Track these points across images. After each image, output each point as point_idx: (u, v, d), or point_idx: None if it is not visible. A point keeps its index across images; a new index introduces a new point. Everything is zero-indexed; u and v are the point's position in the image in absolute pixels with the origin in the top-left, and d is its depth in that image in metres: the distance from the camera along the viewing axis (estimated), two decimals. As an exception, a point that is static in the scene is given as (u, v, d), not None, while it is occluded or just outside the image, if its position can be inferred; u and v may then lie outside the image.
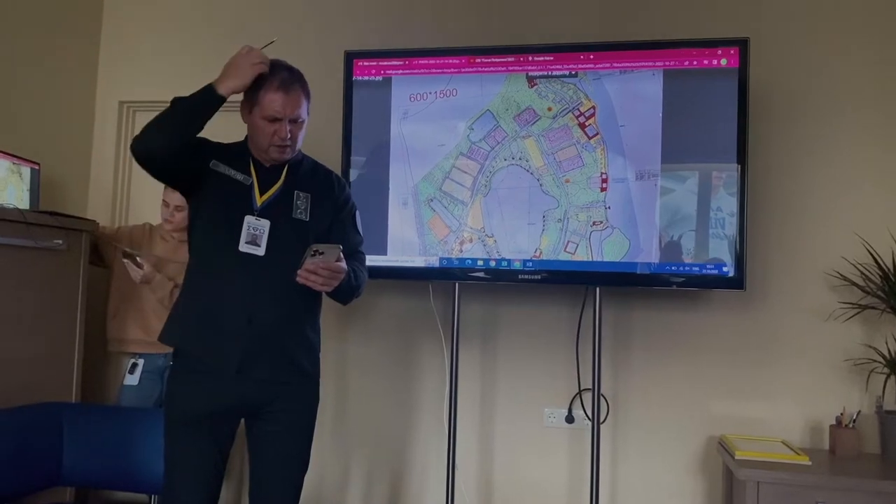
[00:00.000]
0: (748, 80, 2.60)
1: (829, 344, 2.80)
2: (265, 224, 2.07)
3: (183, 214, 2.89)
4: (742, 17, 2.93)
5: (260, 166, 2.15)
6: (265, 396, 2.07)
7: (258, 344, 2.04)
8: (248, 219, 2.06)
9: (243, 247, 2.04)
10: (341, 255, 1.97)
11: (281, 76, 2.06)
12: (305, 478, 2.19)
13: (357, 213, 2.30)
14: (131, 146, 2.05)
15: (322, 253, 1.91)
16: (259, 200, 2.10)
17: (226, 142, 2.21)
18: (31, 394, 2.58)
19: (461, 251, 2.79)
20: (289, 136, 2.07)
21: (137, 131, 3.49)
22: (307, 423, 2.19)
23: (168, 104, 2.06)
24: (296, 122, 2.09)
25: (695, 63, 2.65)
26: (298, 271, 1.93)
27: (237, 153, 2.17)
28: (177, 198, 2.88)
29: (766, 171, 2.87)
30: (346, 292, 2.13)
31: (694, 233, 2.63)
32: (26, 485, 2.44)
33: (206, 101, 2.00)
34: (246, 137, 2.21)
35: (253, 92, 2.08)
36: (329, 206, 2.21)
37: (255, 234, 2.06)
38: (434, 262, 2.82)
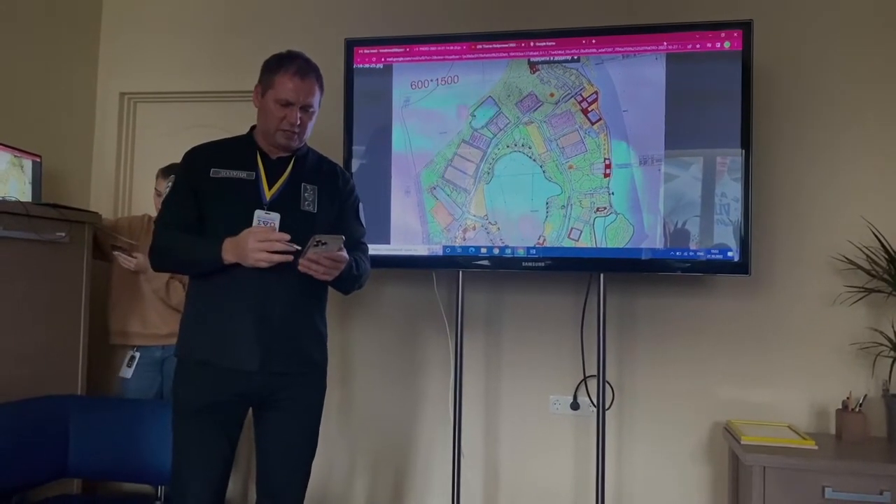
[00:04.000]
0: (752, 63, 2.58)
1: (835, 328, 2.79)
2: (275, 217, 2.06)
3: None
4: (745, -1, 2.90)
5: (266, 159, 2.15)
6: (275, 386, 2.08)
7: (274, 339, 2.05)
8: (258, 212, 2.06)
9: None
10: (343, 245, 1.97)
11: (298, 63, 2.08)
12: (311, 465, 2.20)
13: (360, 205, 2.31)
14: (152, 264, 2.17)
15: (325, 243, 1.91)
16: (268, 194, 2.10)
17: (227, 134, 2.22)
18: (36, 387, 2.58)
19: (464, 239, 2.78)
20: (298, 122, 2.07)
21: (138, 123, 3.55)
22: (314, 412, 2.20)
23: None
24: (307, 110, 2.10)
25: (698, 46, 2.62)
26: (300, 260, 1.94)
27: (240, 148, 2.17)
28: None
29: (770, 155, 2.85)
30: (347, 282, 2.14)
31: (698, 219, 2.62)
32: (33, 477, 2.45)
33: (213, 263, 2.02)
34: (251, 130, 2.21)
35: (268, 75, 2.09)
36: (334, 198, 2.21)
37: (265, 228, 2.05)
38: (437, 250, 2.81)
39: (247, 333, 2.03)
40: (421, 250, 2.82)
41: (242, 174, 2.10)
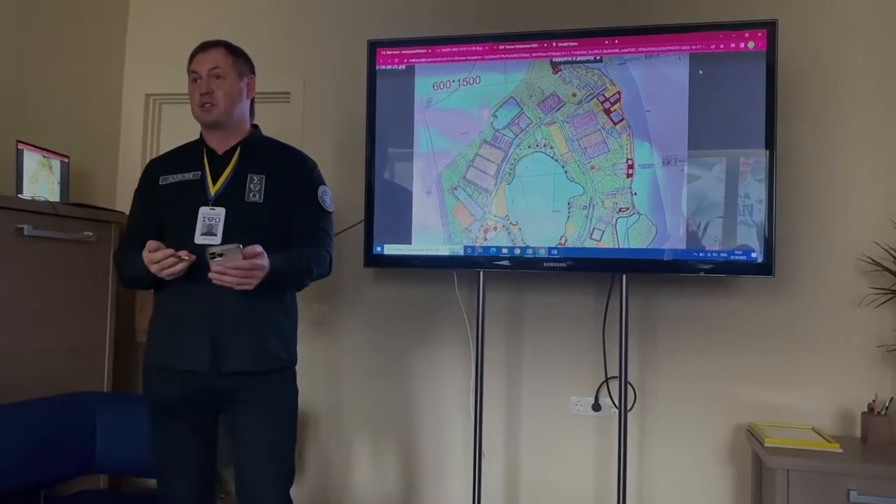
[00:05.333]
0: (776, 63, 2.56)
1: (861, 330, 2.76)
2: (220, 212, 2.06)
3: None
4: (770, -2, 2.88)
5: (213, 155, 2.17)
6: (235, 386, 2.05)
7: (226, 336, 2.03)
8: (203, 210, 2.06)
9: (199, 238, 2.04)
10: (243, 252, 1.89)
11: (202, 43, 2.19)
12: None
13: (322, 189, 2.24)
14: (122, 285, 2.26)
15: (221, 255, 1.87)
16: (212, 190, 2.11)
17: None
18: (64, 383, 2.63)
19: (486, 239, 2.78)
20: (207, 90, 2.10)
21: (163, 124, 3.58)
22: (284, 414, 2.15)
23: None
24: (217, 76, 2.13)
25: (722, 46, 2.61)
26: (209, 275, 1.90)
27: (188, 151, 2.21)
28: None
29: (795, 156, 2.82)
30: (288, 280, 2.09)
31: (722, 219, 2.60)
32: (61, 472, 2.49)
33: (153, 276, 1.99)
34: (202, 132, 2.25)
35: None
36: (287, 185, 2.17)
37: (210, 224, 2.05)
38: (458, 250, 2.81)
39: (197, 335, 2.02)
40: (442, 250, 2.83)
41: (189, 175, 2.13)
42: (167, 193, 2.13)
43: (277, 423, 2.13)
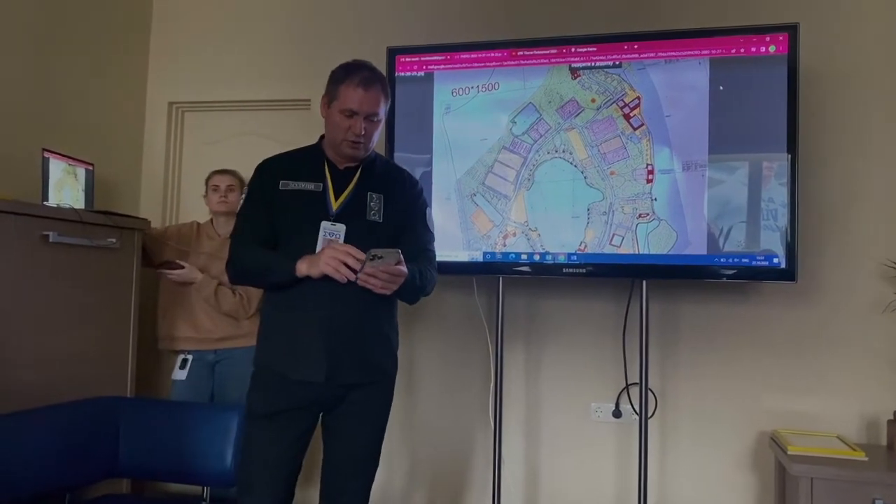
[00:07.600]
0: (798, 67, 2.54)
1: (886, 336, 2.72)
2: (341, 228, 2.07)
3: (236, 195, 2.95)
4: (791, 1, 2.85)
5: (334, 169, 2.16)
6: (344, 394, 2.10)
7: (342, 349, 2.06)
8: (325, 224, 2.07)
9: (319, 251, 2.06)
10: (401, 258, 1.95)
11: (362, 74, 2.07)
12: (374, 473, 2.22)
13: (428, 210, 2.30)
14: (229, 277, 2.22)
15: (381, 257, 1.91)
16: (334, 205, 2.11)
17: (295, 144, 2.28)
18: (87, 388, 2.65)
19: (505, 245, 2.78)
20: (363, 132, 2.07)
21: (186, 131, 3.63)
22: (381, 420, 2.21)
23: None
24: (372, 120, 2.09)
25: (742, 51, 2.59)
26: (358, 275, 1.93)
27: (308, 159, 2.19)
28: (227, 178, 2.95)
29: (818, 159, 2.79)
30: (410, 293, 2.12)
31: (745, 224, 2.58)
32: (84, 476, 2.51)
33: (284, 275, 2.04)
34: (320, 139, 2.23)
35: (334, 85, 2.10)
36: (401, 205, 2.20)
37: (330, 239, 2.06)
38: (478, 256, 2.81)
39: (314, 345, 2.04)
40: (461, 256, 2.83)
41: (310, 186, 2.12)
42: (287, 199, 2.12)
43: (376, 427, 2.20)
